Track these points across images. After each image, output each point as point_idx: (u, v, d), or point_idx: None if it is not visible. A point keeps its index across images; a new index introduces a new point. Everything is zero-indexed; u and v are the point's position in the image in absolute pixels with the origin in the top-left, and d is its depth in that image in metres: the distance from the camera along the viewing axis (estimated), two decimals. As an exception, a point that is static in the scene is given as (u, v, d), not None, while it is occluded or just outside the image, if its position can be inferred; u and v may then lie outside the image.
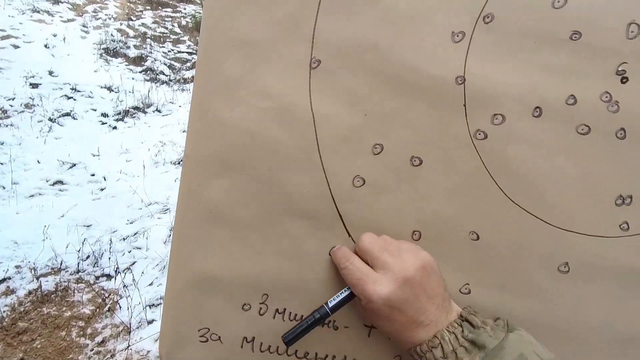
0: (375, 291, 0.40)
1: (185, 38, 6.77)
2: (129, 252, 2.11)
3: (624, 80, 0.47)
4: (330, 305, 0.45)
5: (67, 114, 3.88)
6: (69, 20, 5.95)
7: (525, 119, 0.48)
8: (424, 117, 0.48)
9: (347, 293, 0.45)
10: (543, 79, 0.47)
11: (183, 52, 6.28)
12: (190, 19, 7.25)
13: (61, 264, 1.91)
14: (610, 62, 0.47)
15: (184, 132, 3.95)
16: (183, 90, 5.17)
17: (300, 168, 0.48)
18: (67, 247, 2.03)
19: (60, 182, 2.70)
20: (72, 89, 4.38)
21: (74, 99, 4.21)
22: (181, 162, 3.20)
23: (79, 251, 2.02)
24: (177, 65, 5.86)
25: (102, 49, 5.50)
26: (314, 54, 0.47)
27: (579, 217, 0.49)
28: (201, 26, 0.47)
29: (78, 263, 1.95)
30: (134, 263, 2.03)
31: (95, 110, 4.16)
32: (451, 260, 0.50)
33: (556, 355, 0.39)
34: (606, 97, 0.47)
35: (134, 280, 1.91)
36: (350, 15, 0.46)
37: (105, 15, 6.47)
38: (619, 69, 0.47)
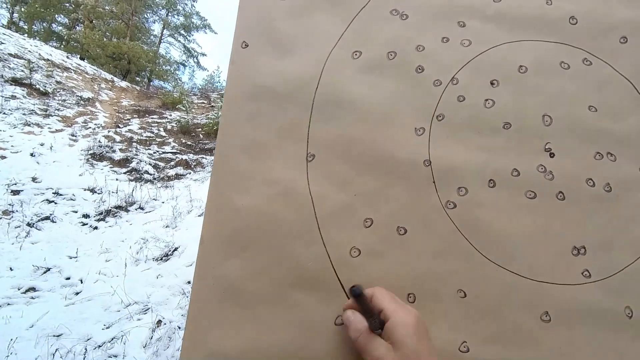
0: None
1: (170, 140, 7.21)
2: (104, 362, 1.92)
3: (552, 155, 0.61)
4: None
5: (47, 218, 3.84)
6: (57, 131, 6.29)
7: (483, 189, 0.59)
8: (403, 193, 0.58)
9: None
10: (490, 158, 0.60)
11: (167, 153, 6.62)
12: (176, 123, 7.83)
13: (25, 384, 1.69)
14: (538, 143, 0.61)
15: (167, 227, 3.94)
16: (167, 187, 5.31)
17: (303, 243, 0.55)
18: (34, 362, 1.83)
19: (33, 289, 2.55)
20: (54, 193, 4.41)
21: (55, 203, 4.22)
22: (163, 258, 3.12)
23: (47, 367, 1.81)
24: (162, 164, 6.12)
25: (89, 154, 5.75)
26: (309, 150, 0.58)
27: (545, 268, 0.57)
28: (218, 131, 0.58)
29: (45, 382, 1.74)
30: (109, 375, 1.83)
31: (76, 212, 4.15)
32: (446, 319, 0.55)
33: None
34: (541, 168, 0.60)
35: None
36: (336, 119, 0.59)
37: (95, 124, 6.91)
38: (546, 147, 0.61)
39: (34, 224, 3.65)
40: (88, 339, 2.11)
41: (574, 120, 0.62)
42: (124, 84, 10.41)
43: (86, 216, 4.07)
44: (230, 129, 0.58)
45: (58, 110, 6.95)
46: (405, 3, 0.64)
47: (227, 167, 0.57)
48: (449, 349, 0.53)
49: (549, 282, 0.57)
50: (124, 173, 5.56)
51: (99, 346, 2.03)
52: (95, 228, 3.89)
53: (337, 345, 0.53)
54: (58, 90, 7.70)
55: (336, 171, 0.58)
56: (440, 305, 0.56)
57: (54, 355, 1.88)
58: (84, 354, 1.91)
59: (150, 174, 5.70)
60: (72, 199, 4.37)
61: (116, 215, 4.29)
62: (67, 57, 10.03)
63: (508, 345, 0.55)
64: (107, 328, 2.22)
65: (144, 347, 2.08)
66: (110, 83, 9.69)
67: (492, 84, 0.63)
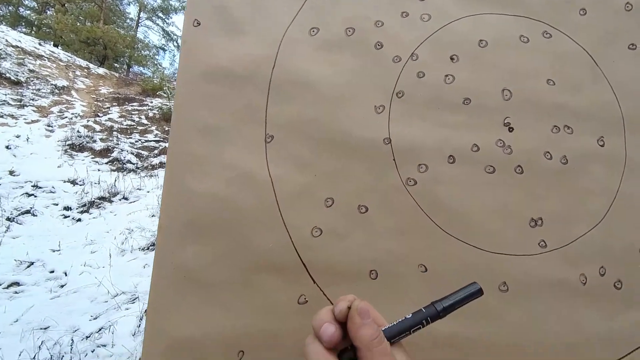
0: None
1: (153, 128, 7.03)
2: (92, 351, 1.92)
3: (511, 129, 0.61)
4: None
5: (27, 212, 3.75)
6: (33, 122, 6.06)
7: (443, 165, 0.59)
8: (364, 172, 0.58)
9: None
10: (450, 134, 0.60)
11: (150, 141, 6.46)
12: (158, 110, 7.62)
13: (12, 378, 1.69)
14: (497, 117, 0.61)
15: (153, 216, 3.90)
16: (151, 176, 5.22)
17: (264, 225, 0.55)
18: (20, 355, 1.82)
19: (16, 284, 2.51)
20: (33, 186, 4.29)
21: (35, 196, 4.11)
22: (150, 247, 3.08)
23: (34, 358, 1.81)
24: (145, 153, 5.99)
25: (67, 145, 5.57)
26: (268, 131, 0.57)
27: (503, 240, 0.58)
28: (172, 115, 0.56)
29: (32, 374, 1.74)
30: (97, 365, 1.84)
31: (57, 204, 4.06)
32: (408, 294, 0.56)
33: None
34: (500, 143, 0.61)
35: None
36: (293, 99, 0.58)
37: (72, 114, 6.67)
38: (505, 122, 0.62)
39: (14, 218, 3.56)
40: (75, 330, 2.10)
41: (533, 94, 0.63)
42: (101, 70, 10.03)
43: (67, 208, 3.98)
44: (185, 112, 0.57)
45: (33, 100, 6.68)
46: (363, -24, 0.63)
47: (183, 151, 0.56)
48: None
49: (507, 254, 0.58)
50: (106, 163, 5.43)
51: (87, 337, 2.03)
52: (79, 220, 3.82)
53: (302, 324, 0.54)
54: (31, 79, 7.38)
55: (295, 152, 0.57)
56: (402, 281, 0.57)
57: (40, 347, 1.87)
58: (71, 345, 1.91)
59: (133, 164, 5.58)
60: (52, 192, 4.26)
61: (100, 207, 4.21)
62: (40, 44, 9.57)
63: (468, 318, 0.56)
64: (94, 319, 2.21)
65: (132, 335, 2.08)
66: (85, 70, 9.32)
67: (452, 59, 0.62)
